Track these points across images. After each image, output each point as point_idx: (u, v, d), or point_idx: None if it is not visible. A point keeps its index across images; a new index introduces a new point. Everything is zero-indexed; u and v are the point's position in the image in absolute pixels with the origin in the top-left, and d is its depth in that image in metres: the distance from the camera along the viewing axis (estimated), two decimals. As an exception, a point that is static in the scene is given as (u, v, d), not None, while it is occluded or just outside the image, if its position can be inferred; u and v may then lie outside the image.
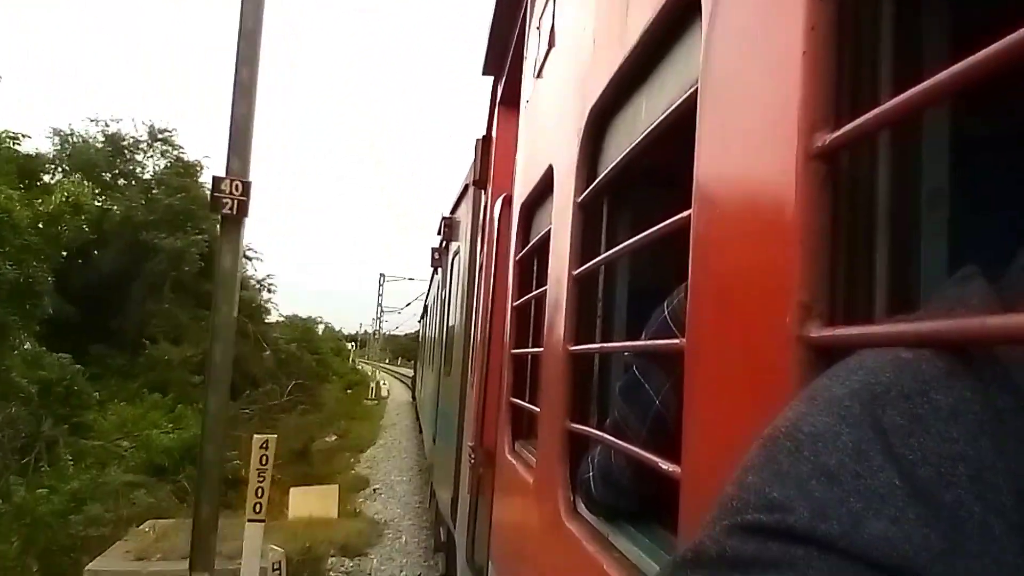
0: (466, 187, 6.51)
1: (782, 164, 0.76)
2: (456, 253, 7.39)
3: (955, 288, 0.58)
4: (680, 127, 1.15)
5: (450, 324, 7.74)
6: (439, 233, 9.27)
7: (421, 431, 19.82)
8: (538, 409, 2.15)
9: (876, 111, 0.62)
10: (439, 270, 10.49)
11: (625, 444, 1.37)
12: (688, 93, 1.13)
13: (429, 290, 17.58)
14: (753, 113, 0.89)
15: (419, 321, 29.90)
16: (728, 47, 0.99)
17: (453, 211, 8.15)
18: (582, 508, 1.67)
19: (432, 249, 10.45)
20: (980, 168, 0.93)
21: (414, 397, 39.38)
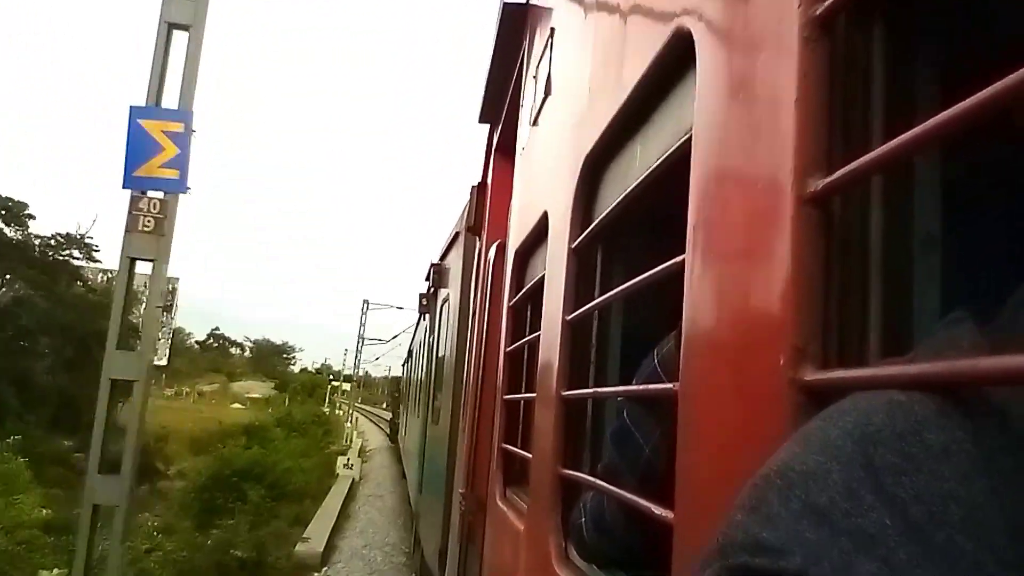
0: (456, 234, 6.53)
1: (775, 209, 0.76)
2: (446, 300, 7.38)
3: (945, 331, 0.58)
4: (674, 174, 1.16)
5: (438, 370, 7.69)
6: (427, 279, 9.26)
7: (404, 476, 19.63)
8: (530, 455, 2.13)
9: (868, 156, 0.63)
10: (426, 316, 10.45)
11: (617, 490, 1.36)
12: (682, 140, 1.14)
13: (415, 335, 17.45)
14: (746, 159, 0.90)
15: (402, 365, 29.92)
16: (721, 95, 1.01)
17: (443, 258, 8.16)
18: (574, 555, 1.65)
19: (420, 295, 10.42)
20: (972, 213, 0.94)
21: (392, 440, 39.60)
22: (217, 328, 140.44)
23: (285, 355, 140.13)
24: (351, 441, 40.54)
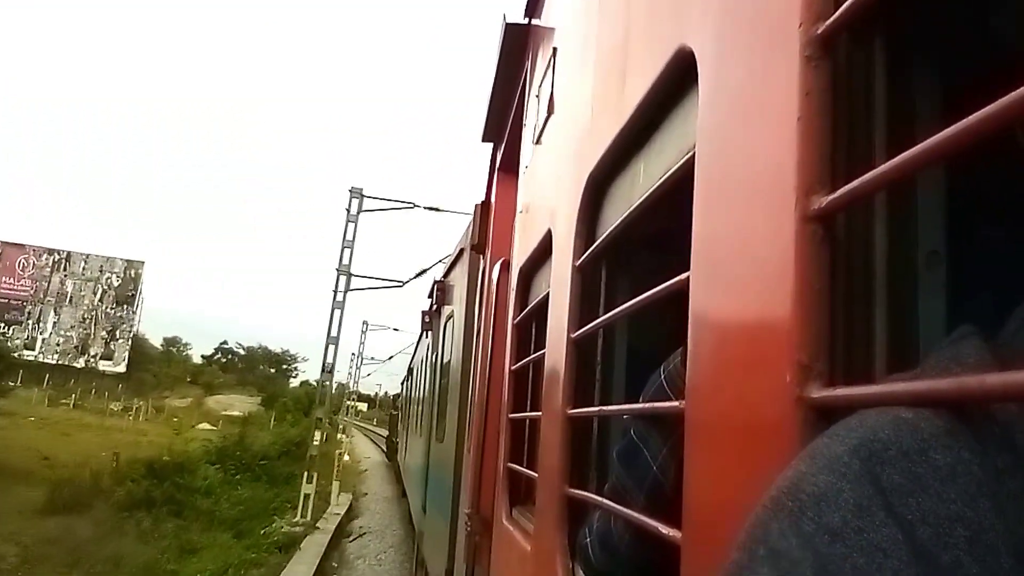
0: (461, 251, 6.53)
1: (779, 226, 0.77)
2: (450, 317, 7.36)
3: (951, 347, 0.58)
4: (677, 192, 1.16)
5: (442, 388, 7.66)
6: (430, 296, 9.25)
7: (404, 494, 19.44)
8: (536, 474, 2.12)
9: (871, 173, 0.63)
10: (428, 333, 10.41)
11: (623, 509, 1.35)
12: (685, 158, 1.14)
13: (415, 353, 17.30)
14: (749, 177, 0.90)
15: (402, 383, 28.07)
16: (724, 113, 1.01)
17: (446, 275, 8.16)
18: (581, 575, 1.64)
19: (422, 312, 10.40)
20: (976, 228, 0.94)
21: (390, 458, 37.63)
22: (225, 342, 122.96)
23: (285, 365, 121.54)
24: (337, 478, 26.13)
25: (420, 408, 12.48)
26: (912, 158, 0.57)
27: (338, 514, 21.85)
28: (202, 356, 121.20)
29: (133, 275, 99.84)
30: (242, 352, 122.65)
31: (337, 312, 21.65)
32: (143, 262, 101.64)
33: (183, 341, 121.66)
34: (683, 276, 1.08)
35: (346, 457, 33.77)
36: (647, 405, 1.39)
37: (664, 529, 1.10)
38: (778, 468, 0.57)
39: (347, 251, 21.61)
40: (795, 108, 0.76)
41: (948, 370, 0.54)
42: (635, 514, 1.28)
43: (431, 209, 22.37)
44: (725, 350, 0.95)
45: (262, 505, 23.24)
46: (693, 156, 1.09)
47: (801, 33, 0.76)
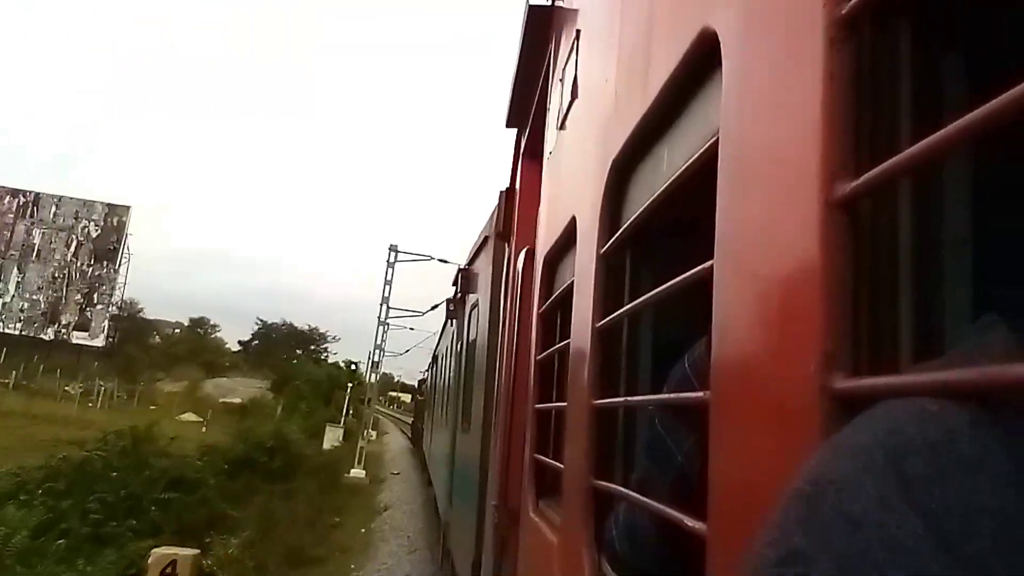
0: (485, 239, 6.52)
1: (803, 213, 0.75)
2: (475, 305, 7.35)
3: (977, 336, 0.57)
4: (701, 177, 1.14)
5: (467, 378, 7.65)
6: (454, 284, 9.26)
7: (430, 482, 19.42)
8: (562, 466, 2.12)
9: (897, 158, 0.62)
10: (453, 321, 10.43)
11: (648, 501, 1.34)
12: (708, 144, 1.13)
13: (440, 340, 17.34)
14: (773, 163, 0.88)
15: (425, 371, 28.81)
16: (747, 97, 0.99)
17: (471, 262, 8.15)
18: (607, 567, 1.63)
19: (447, 300, 10.43)
20: (1003, 214, 0.92)
21: (415, 445, 36.14)
22: (261, 322, 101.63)
23: (313, 345, 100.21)
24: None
25: (445, 397, 12.50)
26: (938, 142, 0.56)
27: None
28: (239, 342, 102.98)
29: (115, 223, 78.78)
30: (282, 330, 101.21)
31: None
32: (128, 207, 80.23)
33: (211, 322, 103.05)
34: (707, 264, 1.07)
35: (359, 474, 26.72)
36: (672, 396, 1.38)
37: (689, 521, 1.09)
38: (803, 458, 0.56)
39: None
40: (819, 91, 0.74)
41: (974, 360, 0.53)
42: (660, 506, 1.27)
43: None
44: (749, 339, 0.94)
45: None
46: (717, 141, 1.07)
47: (825, 14, 0.74)
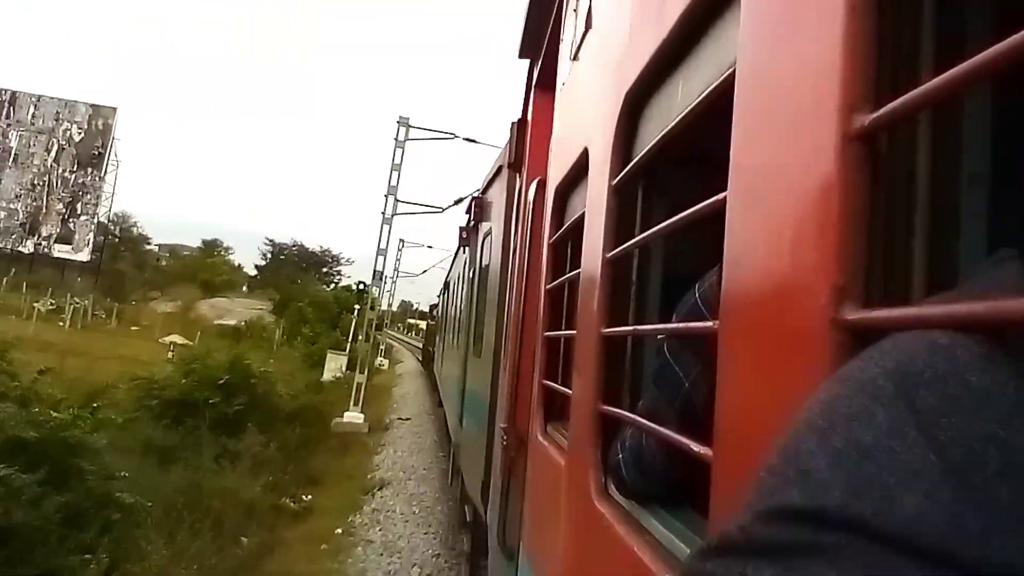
0: (499, 168, 6.48)
1: (820, 145, 0.75)
2: (488, 234, 7.35)
3: (991, 270, 0.57)
4: (716, 109, 1.14)
5: (479, 304, 7.69)
6: (467, 212, 9.24)
7: (440, 404, 17.82)
8: (570, 391, 2.15)
9: (916, 91, 0.61)
10: (466, 249, 10.43)
11: (656, 427, 1.37)
12: (725, 75, 1.12)
13: (452, 267, 17.23)
14: (790, 94, 0.88)
15: (438, 296, 27.10)
16: (765, 27, 0.98)
17: (485, 191, 8.12)
18: (613, 491, 1.67)
19: (460, 228, 10.41)
20: (1020, 150, 0.92)
21: (425, 367, 35.47)
22: (272, 242, 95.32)
23: (325, 268, 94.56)
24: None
25: (456, 323, 12.56)
26: (959, 75, 0.56)
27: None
28: (256, 266, 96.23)
29: (100, 126, 71.19)
30: (293, 251, 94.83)
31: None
32: (115, 108, 71.79)
33: (224, 244, 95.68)
34: (720, 196, 1.07)
35: (355, 418, 21.07)
36: (681, 325, 1.39)
37: (695, 447, 1.11)
38: (810, 389, 0.57)
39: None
40: (840, 21, 0.73)
41: (986, 293, 0.54)
42: (667, 432, 1.29)
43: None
44: (761, 271, 0.95)
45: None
46: (733, 72, 1.06)
47: None
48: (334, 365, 29.93)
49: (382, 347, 45.46)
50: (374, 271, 23.89)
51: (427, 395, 29.98)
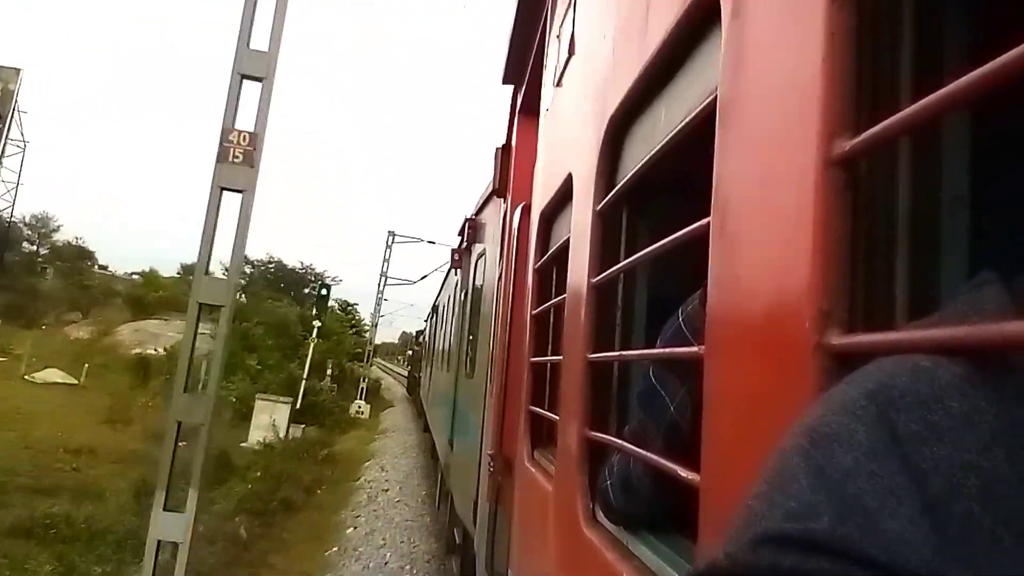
0: (493, 190, 6.51)
1: (801, 171, 0.76)
2: (481, 255, 7.36)
3: (971, 294, 0.58)
4: (699, 135, 1.15)
5: (473, 324, 7.67)
6: (460, 234, 9.26)
7: (427, 428, 17.42)
8: (557, 417, 2.15)
9: (895, 117, 0.62)
10: (458, 270, 10.45)
11: (643, 452, 1.36)
12: (707, 101, 1.12)
13: (441, 289, 17.21)
14: (772, 120, 0.89)
15: (426, 320, 26.97)
16: (747, 54, 0.99)
17: (478, 212, 8.14)
18: (601, 516, 1.66)
19: (452, 250, 10.43)
20: (1000, 174, 0.92)
21: (411, 393, 34.06)
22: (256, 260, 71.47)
23: (307, 288, 72.39)
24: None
25: (447, 344, 12.53)
26: (938, 101, 0.56)
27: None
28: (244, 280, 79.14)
29: None
30: (271, 268, 76.82)
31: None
32: (18, 69, 51.17)
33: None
34: (704, 221, 1.08)
35: None
36: (667, 350, 1.39)
37: (683, 472, 1.11)
38: (796, 414, 0.57)
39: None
40: (820, 49, 0.74)
41: (967, 317, 0.54)
42: (654, 457, 1.29)
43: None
44: (745, 296, 0.95)
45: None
46: (715, 98, 1.07)
47: None
48: (266, 419, 20.91)
49: (363, 385, 35.80)
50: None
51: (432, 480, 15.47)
